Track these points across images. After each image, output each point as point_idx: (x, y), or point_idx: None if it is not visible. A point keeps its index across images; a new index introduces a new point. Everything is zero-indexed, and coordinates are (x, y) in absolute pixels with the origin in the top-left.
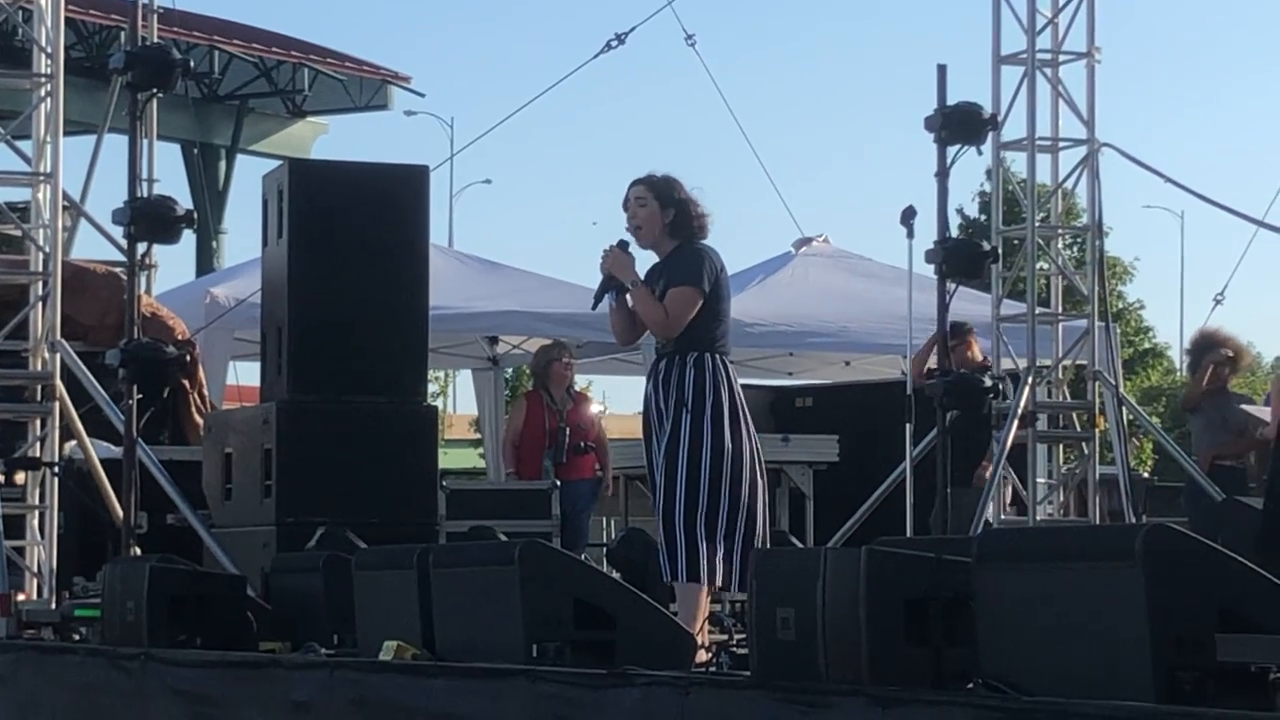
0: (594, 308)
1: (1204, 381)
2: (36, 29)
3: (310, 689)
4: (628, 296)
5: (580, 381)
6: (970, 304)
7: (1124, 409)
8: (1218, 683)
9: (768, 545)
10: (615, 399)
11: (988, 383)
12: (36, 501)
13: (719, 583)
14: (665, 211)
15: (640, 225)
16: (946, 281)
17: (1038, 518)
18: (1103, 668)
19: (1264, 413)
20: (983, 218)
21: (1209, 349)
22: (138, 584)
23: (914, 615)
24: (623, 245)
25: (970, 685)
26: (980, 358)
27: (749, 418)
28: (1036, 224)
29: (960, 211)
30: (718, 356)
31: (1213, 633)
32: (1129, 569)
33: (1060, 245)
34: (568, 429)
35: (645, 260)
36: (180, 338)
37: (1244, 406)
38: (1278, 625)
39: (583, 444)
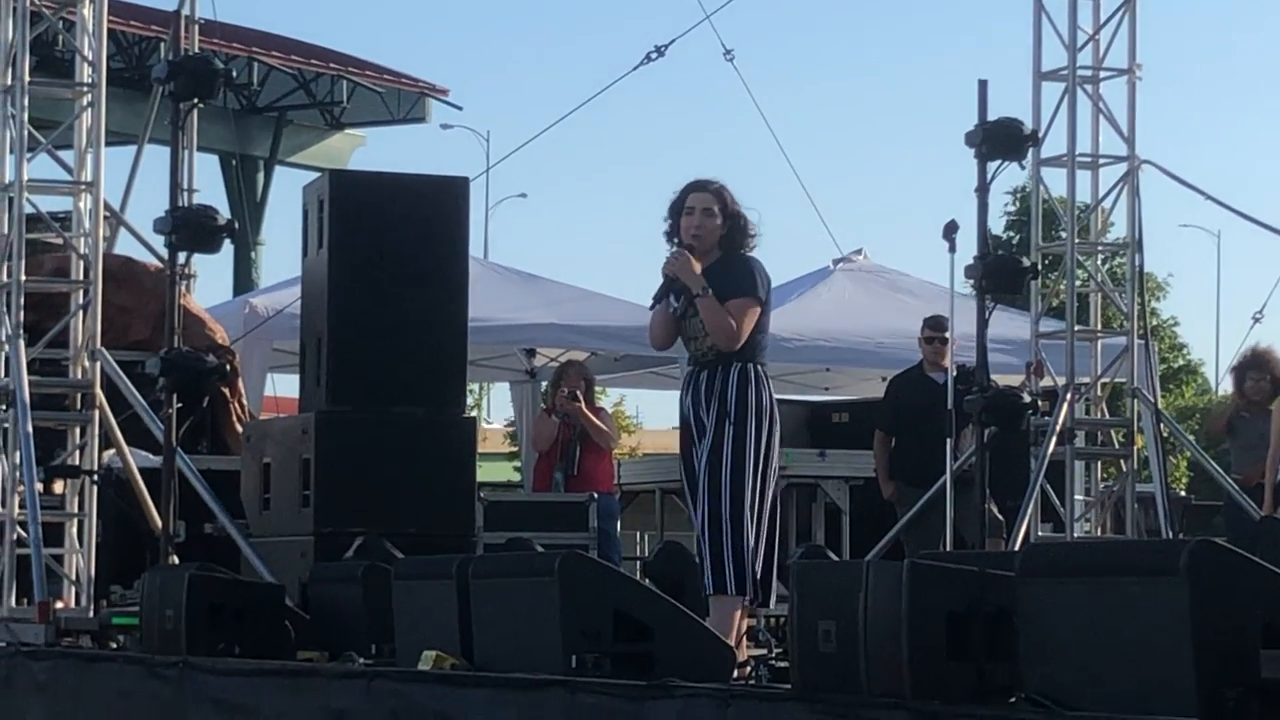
0: (651, 307)
1: (1224, 418)
2: (79, 39)
3: (349, 698)
4: (678, 300)
5: (614, 395)
6: (1007, 322)
7: (1161, 426)
8: (1262, 699)
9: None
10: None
11: (1026, 399)
12: (75, 509)
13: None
14: (724, 223)
15: (705, 235)
16: (985, 298)
17: (1075, 535)
18: (1146, 683)
19: None
20: (1007, 235)
21: (1250, 369)
22: (176, 592)
23: (956, 629)
24: (689, 250)
25: (1013, 700)
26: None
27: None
28: (1075, 241)
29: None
30: (759, 366)
31: (1258, 649)
32: (1173, 584)
33: (1098, 262)
34: (579, 444)
35: None
36: (221, 342)
37: None
38: None
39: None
